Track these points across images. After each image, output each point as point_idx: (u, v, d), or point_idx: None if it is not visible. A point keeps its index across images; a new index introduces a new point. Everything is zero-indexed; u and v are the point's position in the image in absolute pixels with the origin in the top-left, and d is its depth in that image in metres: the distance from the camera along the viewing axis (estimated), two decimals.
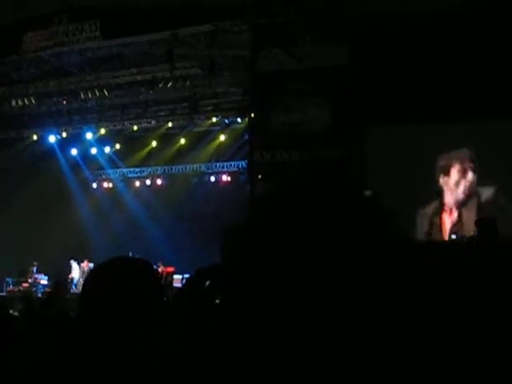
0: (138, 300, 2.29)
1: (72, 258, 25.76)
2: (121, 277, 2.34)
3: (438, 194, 16.44)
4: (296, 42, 17.44)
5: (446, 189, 16.55)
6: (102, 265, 2.47)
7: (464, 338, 1.30)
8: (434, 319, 1.29)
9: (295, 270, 1.25)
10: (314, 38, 17.22)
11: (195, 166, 27.96)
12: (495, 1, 15.45)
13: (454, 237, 15.65)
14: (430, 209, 16.65)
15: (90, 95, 23.69)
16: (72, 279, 25.75)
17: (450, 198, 16.53)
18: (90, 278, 2.44)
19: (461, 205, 16.38)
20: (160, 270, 24.02)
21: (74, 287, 25.37)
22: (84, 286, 2.43)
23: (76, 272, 25.92)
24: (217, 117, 24.57)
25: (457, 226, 16.26)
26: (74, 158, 28.98)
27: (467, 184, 16.29)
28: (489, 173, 15.78)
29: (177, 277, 23.87)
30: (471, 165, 16.18)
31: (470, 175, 16.21)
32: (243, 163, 24.48)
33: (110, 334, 2.24)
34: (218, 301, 2.07)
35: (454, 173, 16.41)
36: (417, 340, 1.25)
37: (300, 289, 1.24)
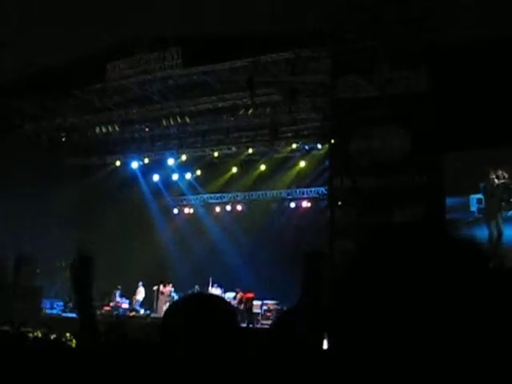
0: (210, 336, 2.33)
1: (154, 283, 26.02)
2: (194, 315, 2.38)
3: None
4: (374, 68, 17.38)
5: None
6: (178, 301, 2.54)
7: None
8: None
9: (410, 318, 1.24)
10: (392, 65, 17.14)
11: (275, 192, 28.02)
12: None
13: None
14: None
15: (171, 122, 23.99)
16: (137, 301, 26.07)
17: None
18: (168, 312, 2.50)
19: None
20: (239, 295, 24.08)
21: (138, 308, 25.70)
22: (163, 319, 2.48)
23: (141, 294, 26.21)
24: (297, 143, 24.60)
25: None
26: (155, 183, 29.38)
27: None
28: None
29: (256, 302, 23.89)
30: None
31: None
32: (323, 189, 24.44)
33: (185, 365, 2.28)
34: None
35: None
36: None
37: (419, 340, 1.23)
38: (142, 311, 25.67)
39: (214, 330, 2.35)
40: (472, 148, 16.42)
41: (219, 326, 2.38)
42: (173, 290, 25.57)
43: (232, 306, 2.71)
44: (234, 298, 24.47)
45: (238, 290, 24.36)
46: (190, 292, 24.98)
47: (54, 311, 25.65)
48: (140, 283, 26.15)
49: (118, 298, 26.06)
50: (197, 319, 2.36)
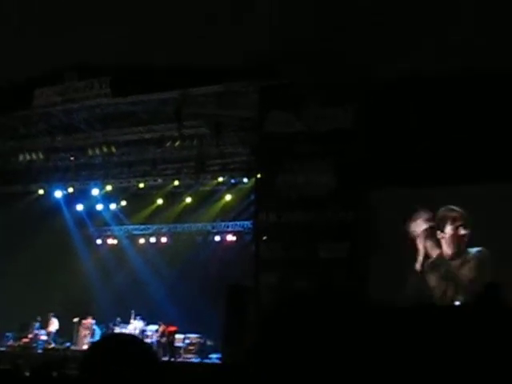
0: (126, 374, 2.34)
1: (74, 315, 25.61)
2: (112, 355, 2.38)
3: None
4: (303, 104, 17.56)
5: (443, 242, 16.80)
6: (98, 341, 2.55)
7: None
8: None
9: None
10: (320, 101, 17.35)
11: (200, 225, 27.97)
12: (486, 71, 15.65)
13: (457, 303, 15.65)
14: (432, 261, 16.92)
15: (97, 151, 23.77)
16: (51, 333, 25.64)
17: (447, 250, 16.78)
18: (88, 352, 2.51)
19: (455, 256, 16.63)
20: (162, 328, 23.88)
21: (52, 341, 25.27)
22: (84, 357, 2.46)
23: (54, 326, 25.79)
24: (223, 176, 24.59)
25: (451, 274, 16.63)
26: (79, 213, 28.99)
27: (460, 238, 16.61)
28: (478, 234, 16.23)
29: (179, 336, 23.70)
30: (463, 222, 16.47)
31: (462, 231, 16.52)
32: (248, 223, 24.47)
33: None
34: None
35: (449, 227, 16.74)
36: None
37: None
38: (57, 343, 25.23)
39: (130, 368, 2.35)
40: (398, 186, 16.68)
41: (136, 364, 2.37)
42: (94, 322, 25.22)
43: (150, 346, 2.69)
44: (157, 330, 24.27)
45: (160, 322, 24.15)
46: (111, 324, 24.74)
47: None
48: (51, 314, 25.73)
49: (36, 330, 25.57)
50: (114, 359, 2.36)
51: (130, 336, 2.87)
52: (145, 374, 2.37)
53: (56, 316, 25.73)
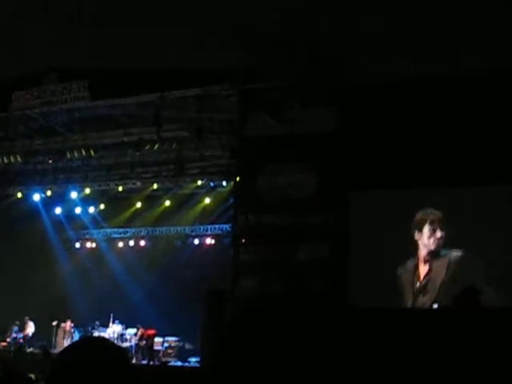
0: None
1: (53, 318, 25.53)
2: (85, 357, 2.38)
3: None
4: (284, 106, 17.59)
5: (420, 243, 16.91)
6: (72, 344, 2.55)
7: None
8: None
9: None
10: (301, 104, 17.38)
11: (179, 228, 27.98)
12: (472, 75, 15.78)
13: (435, 306, 15.73)
14: (410, 263, 16.96)
15: (76, 155, 23.66)
16: (27, 336, 25.58)
17: (423, 252, 16.88)
18: (60, 354, 2.50)
19: (432, 258, 16.75)
20: (140, 332, 23.87)
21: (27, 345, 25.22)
22: (56, 359, 2.46)
23: (31, 329, 25.73)
24: (202, 180, 24.55)
25: (428, 275, 16.71)
26: (57, 216, 28.90)
27: (437, 240, 16.72)
28: (456, 236, 16.35)
29: (158, 339, 23.71)
30: (440, 224, 16.59)
31: (439, 233, 16.64)
32: (227, 226, 24.49)
33: None
34: None
35: (426, 228, 16.86)
36: None
37: None
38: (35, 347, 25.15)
39: (103, 372, 2.35)
40: (378, 188, 16.77)
41: (109, 368, 2.37)
42: (73, 325, 25.16)
43: (123, 349, 2.68)
44: (135, 334, 24.26)
45: (139, 326, 24.16)
46: (89, 328, 24.69)
47: None
48: (27, 318, 25.64)
49: (14, 334, 25.49)
50: (86, 362, 2.36)
51: (103, 339, 2.87)
52: (117, 377, 2.37)
53: (32, 319, 25.63)
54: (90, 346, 2.50)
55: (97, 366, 2.35)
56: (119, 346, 2.67)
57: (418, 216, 16.91)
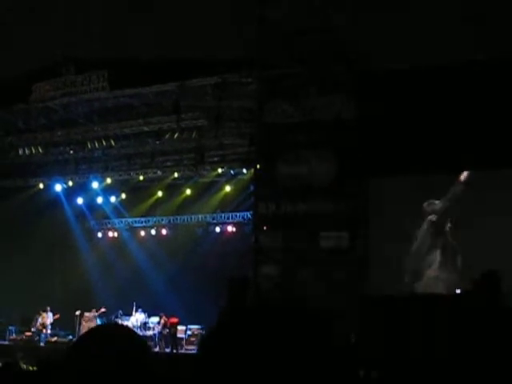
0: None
1: (77, 308, 25.67)
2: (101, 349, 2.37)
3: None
4: (302, 94, 17.54)
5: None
6: (84, 336, 2.53)
7: None
8: None
9: None
10: (319, 91, 17.33)
11: (200, 216, 28.00)
12: (492, 60, 15.70)
13: (458, 291, 15.67)
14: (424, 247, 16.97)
15: (96, 145, 23.77)
16: (47, 326, 25.67)
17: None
18: (74, 346, 2.48)
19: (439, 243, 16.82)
20: (163, 320, 23.95)
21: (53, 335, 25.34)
22: (68, 353, 2.45)
23: (50, 319, 25.79)
24: (222, 168, 24.56)
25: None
26: (79, 207, 29.03)
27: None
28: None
29: (180, 327, 23.77)
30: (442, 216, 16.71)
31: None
32: (248, 214, 24.47)
33: None
34: None
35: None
36: None
37: None
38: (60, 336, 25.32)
39: (118, 359, 2.34)
40: (398, 175, 16.73)
41: (124, 356, 2.37)
42: (96, 314, 25.28)
43: (142, 338, 2.68)
44: (158, 322, 24.35)
45: (162, 314, 24.23)
46: (113, 317, 24.80)
47: None
48: (48, 308, 25.74)
49: (38, 324, 25.64)
50: (101, 349, 2.35)
51: (121, 326, 2.86)
52: (134, 366, 2.37)
53: (51, 310, 25.75)
54: (106, 334, 2.49)
55: (111, 354, 2.35)
56: (136, 334, 2.66)
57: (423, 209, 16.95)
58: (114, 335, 2.45)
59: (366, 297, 12.76)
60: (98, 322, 24.76)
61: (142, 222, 29.51)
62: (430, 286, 16.43)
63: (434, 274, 16.69)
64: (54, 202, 27.80)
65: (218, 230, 27.91)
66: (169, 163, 25.46)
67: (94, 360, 2.32)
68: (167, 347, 23.43)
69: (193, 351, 22.77)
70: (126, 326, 2.78)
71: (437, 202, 16.82)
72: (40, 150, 24.56)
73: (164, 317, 24.00)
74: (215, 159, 24.51)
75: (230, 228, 27.65)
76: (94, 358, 2.32)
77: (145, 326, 24.71)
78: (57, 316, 25.63)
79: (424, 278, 16.66)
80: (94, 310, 25.48)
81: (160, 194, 27.85)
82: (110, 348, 2.35)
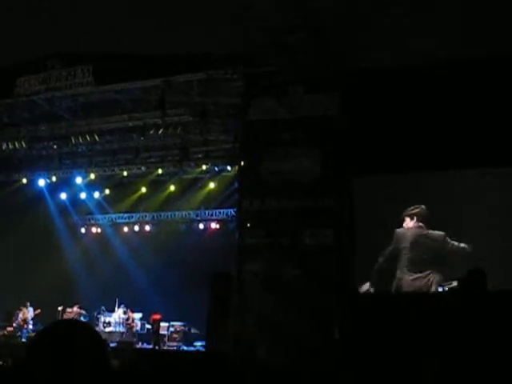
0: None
1: (59, 304, 25.62)
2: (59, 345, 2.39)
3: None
4: (288, 91, 17.56)
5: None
6: (42, 332, 2.55)
7: None
8: None
9: None
10: (305, 88, 17.35)
11: (184, 212, 28.01)
12: (474, 59, 15.76)
13: (440, 289, 15.75)
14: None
15: (80, 140, 23.62)
16: (28, 320, 25.61)
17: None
18: (33, 343, 2.51)
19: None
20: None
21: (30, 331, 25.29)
22: (28, 348, 2.47)
23: (30, 314, 25.74)
24: (207, 164, 24.53)
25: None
26: (63, 202, 28.95)
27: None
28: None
29: (163, 324, 23.77)
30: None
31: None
32: (232, 211, 24.48)
33: None
34: None
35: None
36: None
37: None
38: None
39: (77, 354, 2.35)
40: (384, 172, 16.76)
41: (83, 350, 2.37)
42: (79, 310, 25.24)
43: (97, 333, 2.69)
44: (141, 319, 24.34)
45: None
46: (95, 313, 24.78)
47: None
48: (28, 303, 25.67)
49: (19, 319, 25.58)
50: (61, 344, 2.36)
51: (78, 321, 2.87)
52: (92, 360, 2.38)
53: (32, 305, 25.69)
54: (62, 330, 2.50)
55: (69, 350, 2.36)
56: (93, 330, 2.68)
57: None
58: (71, 332, 2.46)
59: (352, 294, 12.83)
60: (81, 318, 24.73)
61: (125, 218, 29.49)
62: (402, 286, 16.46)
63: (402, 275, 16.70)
64: (38, 197, 27.70)
65: (201, 226, 27.95)
66: (153, 159, 25.38)
67: (52, 357, 2.32)
68: (149, 343, 23.42)
69: (175, 348, 22.79)
70: (85, 322, 2.81)
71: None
72: (24, 144, 24.42)
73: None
74: (200, 155, 24.46)
75: (213, 225, 27.69)
76: (52, 354, 2.33)
77: (127, 322, 24.71)
78: (38, 311, 25.59)
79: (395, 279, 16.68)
80: (76, 305, 25.44)
81: (144, 189, 27.79)
82: (68, 344, 2.36)
